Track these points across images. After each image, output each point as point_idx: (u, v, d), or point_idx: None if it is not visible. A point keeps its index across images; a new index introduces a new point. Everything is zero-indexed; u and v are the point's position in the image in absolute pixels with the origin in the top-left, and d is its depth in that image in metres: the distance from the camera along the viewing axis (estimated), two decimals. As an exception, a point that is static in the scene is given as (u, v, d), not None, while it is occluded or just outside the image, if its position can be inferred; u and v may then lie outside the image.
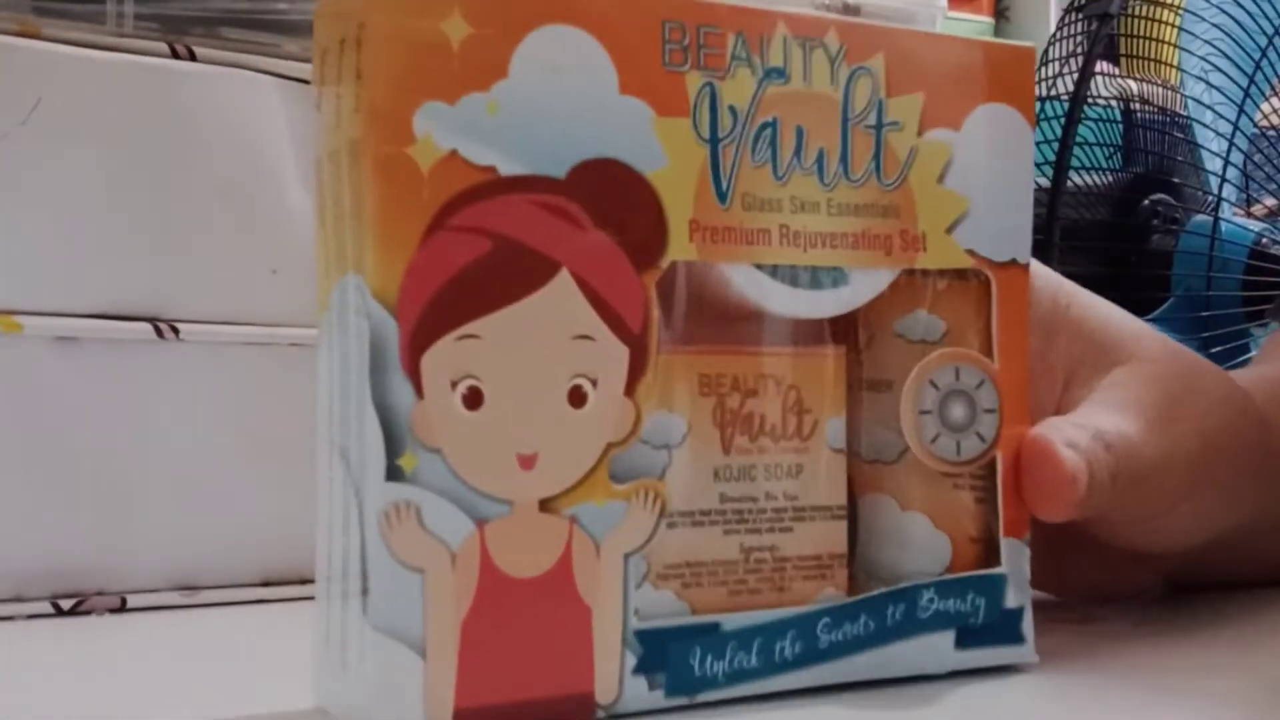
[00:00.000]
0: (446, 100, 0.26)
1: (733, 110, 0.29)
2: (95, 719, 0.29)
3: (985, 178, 0.32)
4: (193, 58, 0.43)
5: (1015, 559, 0.32)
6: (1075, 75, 0.67)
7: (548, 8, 0.27)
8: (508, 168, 0.27)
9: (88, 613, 0.41)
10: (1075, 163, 0.67)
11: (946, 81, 0.31)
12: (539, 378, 0.27)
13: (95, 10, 0.42)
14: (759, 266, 0.29)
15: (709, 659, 0.28)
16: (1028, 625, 0.32)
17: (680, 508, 0.29)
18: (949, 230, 0.31)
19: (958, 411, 0.31)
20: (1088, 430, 0.33)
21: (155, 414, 0.43)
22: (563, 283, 0.27)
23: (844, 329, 0.32)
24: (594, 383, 0.27)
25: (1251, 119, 0.67)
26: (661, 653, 0.28)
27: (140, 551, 0.42)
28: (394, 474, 0.26)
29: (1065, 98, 0.66)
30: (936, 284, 0.32)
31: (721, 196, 0.29)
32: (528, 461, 0.27)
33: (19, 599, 0.40)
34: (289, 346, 0.45)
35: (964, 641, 0.31)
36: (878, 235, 0.30)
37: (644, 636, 0.28)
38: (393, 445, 0.26)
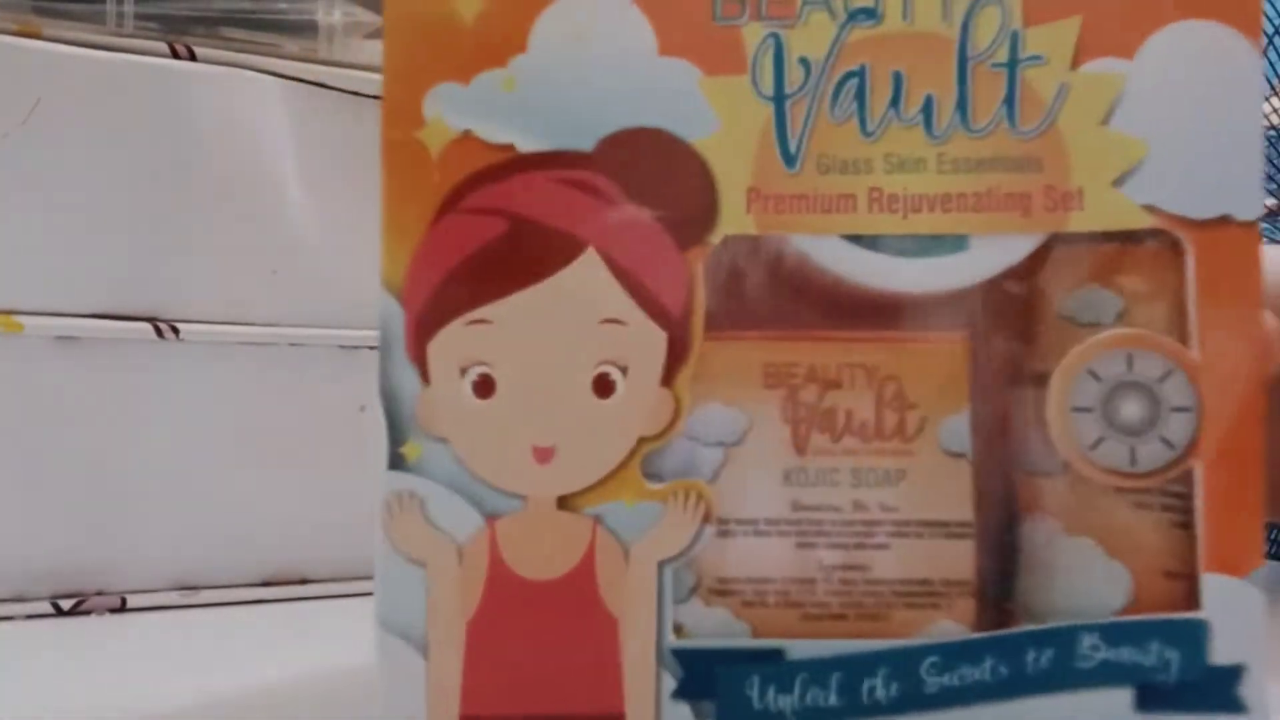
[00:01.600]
0: (460, 80, 0.25)
1: (804, 62, 0.25)
2: (95, 719, 0.30)
3: (1176, 115, 0.25)
4: (193, 58, 0.43)
5: (1230, 601, 0.25)
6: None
7: None
8: (527, 144, 0.25)
9: (88, 613, 0.41)
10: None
11: None
12: (558, 364, 0.25)
13: (95, 10, 0.43)
14: (848, 238, 0.25)
15: (771, 691, 0.25)
16: (1254, 689, 0.24)
17: (739, 514, 0.25)
18: (1117, 182, 0.25)
19: (1130, 409, 0.25)
20: None
21: (155, 414, 0.43)
22: (588, 263, 0.25)
23: (1004, 311, 0.26)
24: (624, 370, 0.25)
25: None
26: (707, 678, 0.25)
27: (140, 551, 0.43)
28: (397, 463, 0.25)
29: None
30: (1112, 251, 0.26)
31: (789, 160, 0.25)
32: (544, 454, 0.25)
33: (19, 599, 0.41)
34: (289, 346, 0.45)
35: (1148, 704, 0.25)
36: (1011, 193, 0.25)
37: (685, 656, 0.25)
38: (396, 433, 0.25)
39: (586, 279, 0.25)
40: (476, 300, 0.25)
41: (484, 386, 0.25)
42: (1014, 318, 0.26)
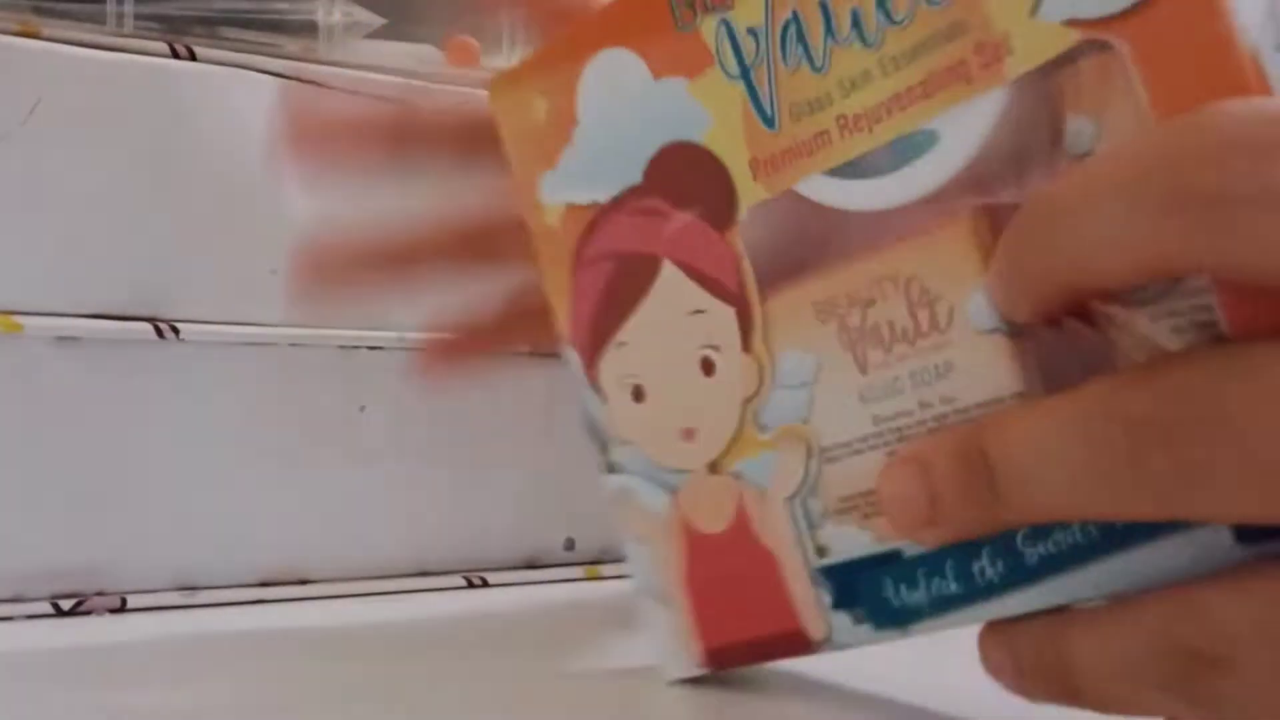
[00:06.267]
0: (550, 166, 0.32)
1: (753, 33, 0.28)
2: (95, 719, 0.30)
3: None
4: (193, 58, 0.43)
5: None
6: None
7: (576, 52, 0.30)
8: (605, 195, 0.31)
9: (88, 613, 0.41)
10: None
11: None
12: (676, 361, 0.30)
13: (95, 10, 0.43)
14: (830, 172, 0.27)
15: (902, 588, 0.27)
16: None
17: (836, 440, 0.28)
18: (1034, 11, 0.23)
19: None
20: None
21: (155, 414, 0.43)
22: (668, 272, 0.30)
23: (1001, 171, 0.26)
24: (717, 349, 0.29)
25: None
26: (852, 587, 0.28)
27: (140, 551, 0.42)
28: (610, 468, 0.32)
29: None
30: (1068, 77, 0.24)
31: (769, 122, 0.28)
32: (689, 434, 0.30)
33: (19, 599, 0.41)
34: (289, 346, 0.44)
35: (1247, 536, 0.22)
36: (949, 68, 0.25)
37: (830, 572, 0.28)
38: (601, 446, 0.32)
39: (671, 285, 0.30)
40: (613, 329, 0.31)
41: (638, 393, 0.31)
42: (1010, 174, 0.25)
